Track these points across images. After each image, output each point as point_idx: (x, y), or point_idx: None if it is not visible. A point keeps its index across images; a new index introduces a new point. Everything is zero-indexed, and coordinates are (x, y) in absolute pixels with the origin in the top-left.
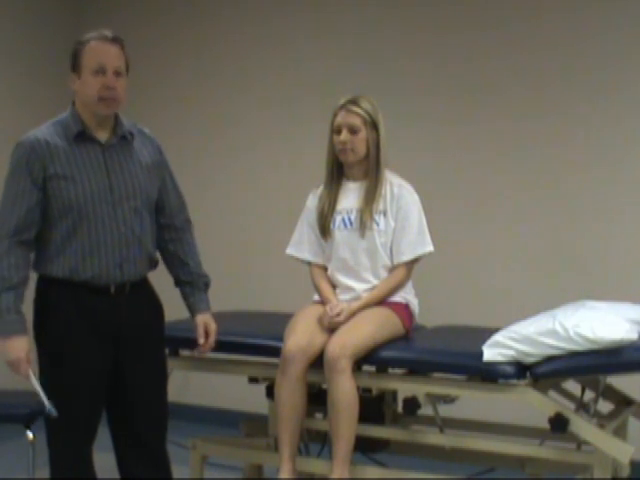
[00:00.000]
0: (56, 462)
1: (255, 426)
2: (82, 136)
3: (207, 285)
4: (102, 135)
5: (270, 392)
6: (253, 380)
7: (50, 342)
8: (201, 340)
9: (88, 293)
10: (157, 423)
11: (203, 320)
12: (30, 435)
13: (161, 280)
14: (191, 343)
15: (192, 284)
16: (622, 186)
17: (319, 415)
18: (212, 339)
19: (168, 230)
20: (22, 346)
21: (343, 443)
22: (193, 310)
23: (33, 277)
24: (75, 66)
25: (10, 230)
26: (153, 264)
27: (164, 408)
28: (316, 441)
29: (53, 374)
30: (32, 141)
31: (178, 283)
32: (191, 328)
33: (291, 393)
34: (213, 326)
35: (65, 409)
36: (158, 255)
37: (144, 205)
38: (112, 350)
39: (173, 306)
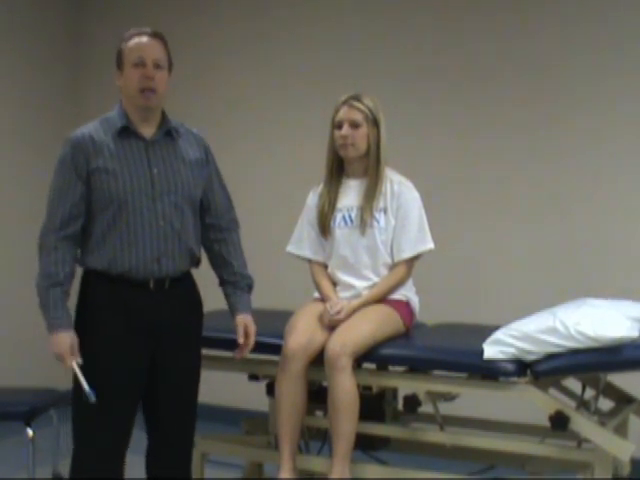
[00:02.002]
0: (80, 461)
1: (255, 424)
2: (126, 131)
3: (250, 287)
4: (147, 131)
5: (270, 390)
6: (253, 377)
7: (87, 336)
8: (241, 340)
9: (127, 288)
10: (185, 424)
11: (243, 321)
12: (30, 432)
13: (200, 276)
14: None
15: (235, 284)
16: (623, 183)
17: (319, 413)
18: (251, 340)
19: (213, 230)
20: (66, 341)
21: (343, 441)
22: (233, 310)
23: (79, 272)
24: (119, 63)
25: (57, 224)
26: (195, 261)
27: (194, 410)
28: (316, 439)
29: (88, 369)
30: (77, 136)
31: (222, 283)
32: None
33: (291, 391)
34: (253, 327)
35: (97, 404)
36: (202, 253)
37: (185, 201)
38: (149, 346)
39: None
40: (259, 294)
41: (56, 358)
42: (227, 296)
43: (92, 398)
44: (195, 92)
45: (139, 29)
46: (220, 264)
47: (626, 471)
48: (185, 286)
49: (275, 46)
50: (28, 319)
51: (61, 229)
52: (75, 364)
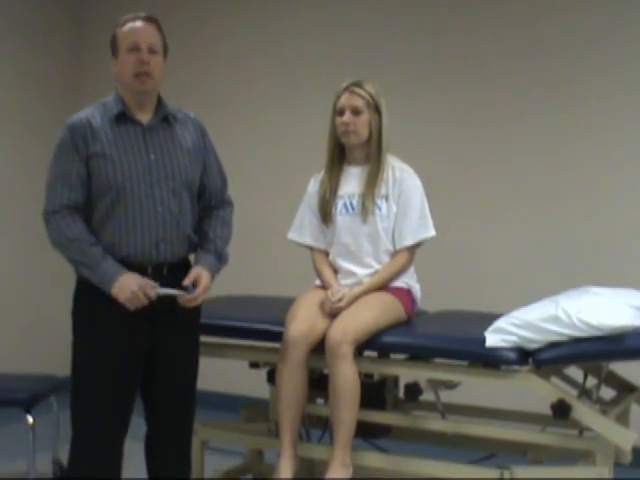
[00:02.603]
0: (78, 447)
1: (255, 411)
2: (123, 117)
3: (219, 255)
4: (144, 117)
5: (271, 377)
6: (254, 365)
7: (85, 323)
8: (186, 282)
9: None
10: (184, 411)
11: (197, 271)
12: (30, 419)
13: None
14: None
15: (204, 248)
16: (625, 172)
17: (320, 400)
18: (200, 290)
19: (204, 210)
20: (133, 278)
21: (344, 429)
22: (194, 263)
23: None
24: (114, 49)
25: (63, 203)
26: (193, 247)
27: (192, 396)
28: (317, 427)
29: (85, 356)
30: (75, 121)
31: (196, 253)
32: None
33: (292, 379)
34: (206, 280)
35: (95, 391)
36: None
37: (183, 187)
38: (147, 333)
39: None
40: (260, 281)
41: (133, 300)
42: (195, 258)
43: (193, 291)
44: (195, 77)
45: (134, 14)
46: (200, 237)
47: (627, 460)
48: (183, 273)
49: (279, 30)
50: (28, 306)
51: (68, 206)
52: (160, 288)
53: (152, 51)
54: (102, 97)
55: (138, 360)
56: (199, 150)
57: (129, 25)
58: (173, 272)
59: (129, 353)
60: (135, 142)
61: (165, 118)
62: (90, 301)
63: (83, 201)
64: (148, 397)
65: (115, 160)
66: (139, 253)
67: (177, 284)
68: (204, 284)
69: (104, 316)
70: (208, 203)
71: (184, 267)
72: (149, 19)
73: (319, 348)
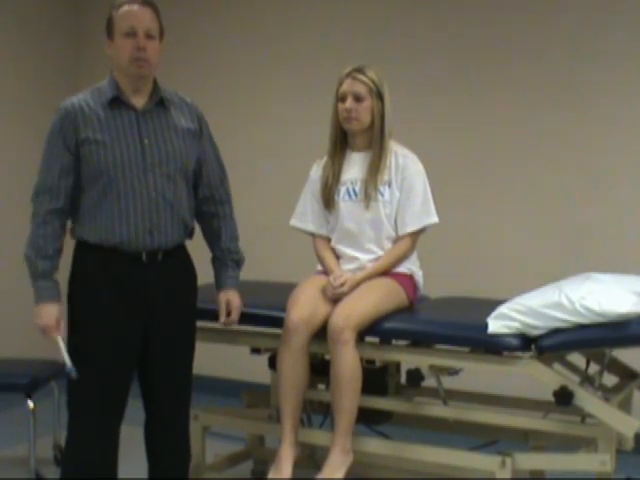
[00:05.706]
0: (75, 432)
1: (257, 397)
2: (117, 101)
3: (237, 262)
4: (138, 101)
5: (272, 363)
6: (255, 351)
7: (80, 308)
8: (222, 318)
9: (120, 260)
10: (181, 395)
11: (225, 297)
12: (31, 404)
13: (197, 249)
14: (201, 314)
15: (221, 260)
16: (629, 155)
17: (321, 386)
18: (234, 317)
19: (207, 203)
20: (52, 313)
21: (345, 415)
22: (217, 286)
23: (71, 243)
24: (109, 32)
25: (46, 195)
26: (188, 233)
27: (189, 380)
28: (318, 412)
29: (81, 341)
30: (67, 106)
31: (213, 259)
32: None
33: (293, 364)
34: (235, 303)
35: (90, 377)
36: (195, 225)
37: (178, 172)
38: (143, 319)
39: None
40: (262, 267)
41: (40, 329)
42: (214, 272)
43: (73, 374)
44: (195, 64)
45: None
46: (211, 239)
47: (630, 447)
48: (178, 258)
49: (281, 15)
50: (28, 290)
51: (51, 201)
52: (60, 338)
53: (149, 36)
54: (99, 82)
55: (133, 345)
56: (195, 135)
57: (125, 8)
58: (168, 258)
59: (125, 337)
60: (128, 127)
61: (160, 102)
62: (86, 286)
63: (68, 191)
64: (145, 381)
65: (107, 145)
66: (133, 240)
67: (171, 270)
68: (236, 307)
69: (100, 301)
70: (210, 194)
71: (179, 253)
72: (146, 3)
73: (320, 334)
